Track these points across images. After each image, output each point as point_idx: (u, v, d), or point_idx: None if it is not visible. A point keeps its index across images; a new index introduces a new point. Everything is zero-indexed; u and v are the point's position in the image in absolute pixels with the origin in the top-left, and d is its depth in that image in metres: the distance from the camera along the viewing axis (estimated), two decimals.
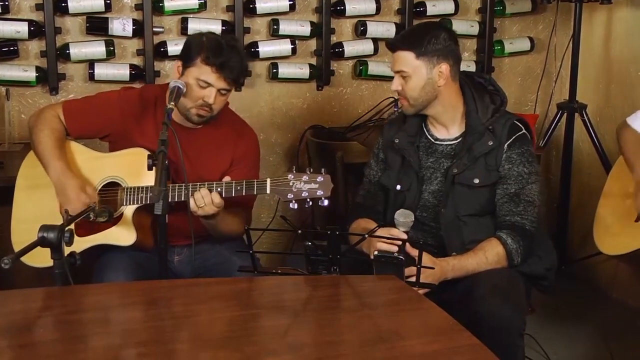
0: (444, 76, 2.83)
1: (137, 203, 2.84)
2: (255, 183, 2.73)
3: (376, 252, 2.48)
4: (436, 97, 2.85)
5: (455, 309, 2.13)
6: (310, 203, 2.70)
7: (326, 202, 2.69)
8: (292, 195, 2.69)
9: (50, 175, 2.88)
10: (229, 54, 2.85)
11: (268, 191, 2.72)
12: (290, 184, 2.69)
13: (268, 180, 2.71)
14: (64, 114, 2.96)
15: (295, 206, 2.70)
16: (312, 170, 2.71)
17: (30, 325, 1.97)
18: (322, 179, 2.68)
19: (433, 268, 2.59)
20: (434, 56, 2.82)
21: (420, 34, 2.88)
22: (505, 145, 2.84)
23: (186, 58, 2.89)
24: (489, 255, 2.76)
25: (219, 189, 2.75)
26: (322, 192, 2.68)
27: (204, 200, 2.73)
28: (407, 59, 2.82)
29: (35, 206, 2.94)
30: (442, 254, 2.84)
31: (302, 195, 2.68)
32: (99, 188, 2.91)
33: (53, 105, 3.03)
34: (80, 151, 2.98)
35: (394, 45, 2.88)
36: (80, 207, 2.79)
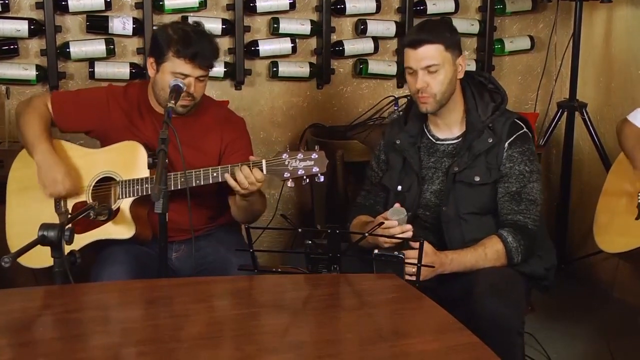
0: (462, 69, 2.85)
1: (134, 195, 2.84)
2: (252, 164, 2.73)
3: (376, 251, 2.49)
4: (454, 93, 2.85)
5: (454, 308, 2.13)
6: (307, 180, 2.71)
7: (322, 178, 2.70)
8: (289, 174, 2.69)
9: (34, 155, 2.87)
10: (199, 42, 2.85)
11: (264, 172, 2.72)
12: (286, 162, 2.69)
13: (264, 161, 2.72)
14: (52, 104, 2.97)
15: (293, 184, 2.72)
16: (306, 148, 2.72)
17: (30, 323, 1.97)
18: (316, 156, 2.69)
19: (433, 267, 2.59)
20: (456, 48, 2.84)
21: (441, 26, 2.90)
22: (506, 144, 2.84)
23: (157, 54, 2.88)
24: (488, 252, 2.76)
25: (214, 174, 2.75)
26: (317, 169, 2.69)
27: (247, 180, 2.71)
28: (438, 51, 2.79)
29: (28, 209, 2.93)
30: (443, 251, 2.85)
31: (299, 173, 2.69)
32: (93, 184, 2.91)
33: (42, 95, 3.06)
34: (71, 149, 2.98)
35: (420, 40, 2.80)
36: (60, 191, 2.81)
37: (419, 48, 2.80)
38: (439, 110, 2.86)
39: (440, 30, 2.85)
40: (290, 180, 2.71)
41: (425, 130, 2.97)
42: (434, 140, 2.95)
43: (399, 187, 2.94)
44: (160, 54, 2.86)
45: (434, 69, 2.79)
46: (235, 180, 2.73)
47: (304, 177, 2.70)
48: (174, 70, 2.83)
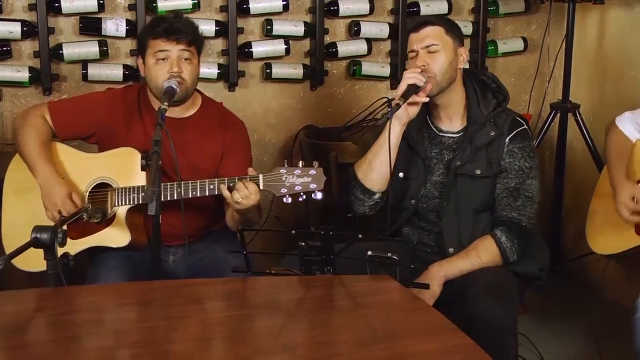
0: (463, 59, 2.90)
1: (129, 203, 2.83)
2: (248, 179, 2.71)
3: (369, 252, 2.49)
4: (454, 80, 2.88)
5: (448, 308, 2.13)
6: (304, 197, 2.69)
7: (320, 196, 2.68)
8: (285, 190, 2.67)
9: (37, 178, 2.86)
10: (171, 19, 2.91)
11: (261, 187, 2.70)
12: (283, 178, 2.67)
13: (260, 176, 2.70)
14: (51, 115, 2.95)
15: (289, 200, 2.69)
16: (304, 164, 2.71)
17: (23, 326, 1.96)
18: (314, 172, 2.67)
19: (427, 287, 2.59)
20: (457, 37, 2.90)
21: (444, 16, 3.06)
22: (507, 139, 2.86)
23: (141, 48, 2.94)
24: (482, 255, 2.78)
25: (211, 186, 2.74)
26: (315, 186, 2.67)
27: (241, 194, 2.69)
28: (438, 33, 2.86)
29: (25, 210, 2.92)
30: (438, 251, 2.86)
31: (295, 189, 2.67)
32: (90, 189, 2.90)
33: (38, 106, 3.02)
34: (68, 152, 2.97)
35: (422, 22, 2.89)
36: (65, 214, 2.77)
37: (421, 30, 2.88)
38: (438, 95, 2.87)
39: (443, 17, 2.98)
40: (287, 196, 2.67)
41: (429, 120, 2.98)
42: (437, 132, 2.96)
43: (401, 174, 2.94)
44: (143, 47, 2.91)
45: (434, 49, 2.84)
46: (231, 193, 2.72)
47: (301, 194, 2.68)
48: (154, 51, 2.86)
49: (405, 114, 2.81)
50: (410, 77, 2.79)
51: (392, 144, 2.81)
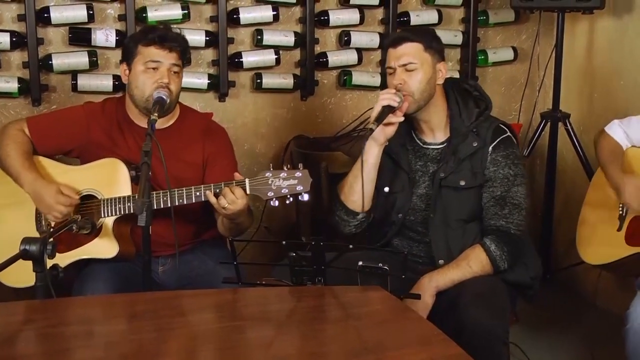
0: (441, 75, 2.88)
1: (116, 214, 2.82)
2: (235, 183, 2.71)
3: (360, 263, 2.48)
4: (432, 97, 2.87)
5: (440, 318, 2.13)
6: (291, 199, 2.70)
7: (306, 197, 2.69)
8: (272, 193, 2.68)
9: (23, 187, 2.85)
10: (164, 29, 2.91)
11: (248, 191, 2.70)
12: (269, 181, 2.68)
13: (247, 181, 2.70)
14: (30, 130, 2.95)
15: (277, 203, 2.69)
16: (289, 166, 2.71)
17: (12, 338, 1.95)
18: (300, 174, 2.68)
19: (419, 298, 2.60)
20: (436, 53, 2.88)
21: (424, 30, 2.98)
22: (490, 148, 2.86)
23: (128, 56, 2.91)
24: (472, 264, 2.78)
25: (197, 193, 2.73)
26: (301, 187, 2.67)
27: (227, 199, 2.69)
28: (417, 50, 2.84)
29: (10, 225, 2.91)
30: (429, 262, 2.86)
31: (282, 192, 2.67)
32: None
33: (17, 121, 3.02)
34: (52, 166, 2.95)
35: (400, 38, 2.86)
36: (61, 211, 2.76)
37: (398, 46, 2.85)
38: (418, 112, 2.87)
39: (422, 32, 2.92)
40: (274, 199, 2.68)
41: (413, 134, 2.98)
42: (421, 144, 2.96)
43: (386, 189, 2.94)
44: (130, 54, 2.89)
45: (412, 67, 2.82)
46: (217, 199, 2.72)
47: (288, 196, 2.69)
48: (146, 60, 2.84)
49: (382, 134, 2.81)
50: (385, 98, 2.78)
51: (371, 165, 2.83)
